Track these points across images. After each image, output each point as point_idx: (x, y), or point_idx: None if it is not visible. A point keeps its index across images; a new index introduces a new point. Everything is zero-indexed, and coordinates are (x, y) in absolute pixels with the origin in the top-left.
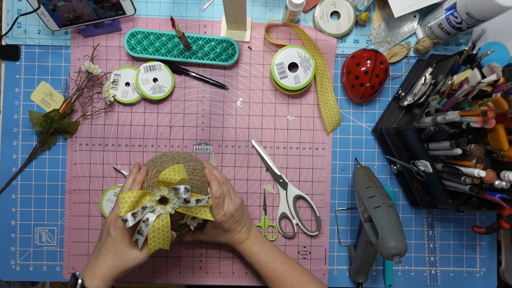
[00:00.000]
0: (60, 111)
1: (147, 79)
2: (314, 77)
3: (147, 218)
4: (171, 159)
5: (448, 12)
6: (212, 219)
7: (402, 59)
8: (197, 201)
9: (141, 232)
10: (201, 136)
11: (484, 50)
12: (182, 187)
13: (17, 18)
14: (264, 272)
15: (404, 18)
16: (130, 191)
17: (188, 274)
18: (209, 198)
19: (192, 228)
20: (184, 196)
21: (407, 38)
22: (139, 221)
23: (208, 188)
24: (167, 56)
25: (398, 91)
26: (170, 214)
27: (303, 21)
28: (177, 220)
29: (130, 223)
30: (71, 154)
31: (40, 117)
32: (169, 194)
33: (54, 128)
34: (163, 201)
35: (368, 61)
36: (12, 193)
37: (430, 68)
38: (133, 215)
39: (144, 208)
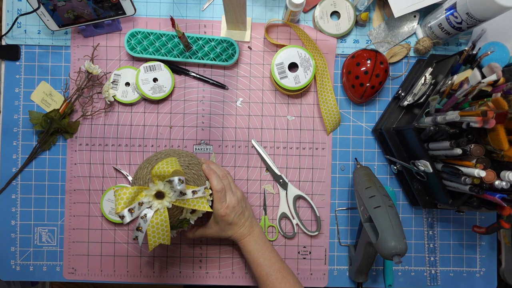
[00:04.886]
0: (60, 111)
1: (147, 79)
2: (314, 77)
3: (145, 214)
4: (166, 155)
5: (448, 12)
6: (211, 210)
7: (402, 59)
8: (193, 192)
9: (140, 228)
10: (201, 136)
11: (484, 50)
12: (176, 179)
13: (17, 18)
14: (257, 273)
15: (404, 18)
16: (125, 187)
17: (188, 274)
18: (205, 188)
19: (192, 222)
20: (178, 188)
21: (407, 38)
22: (137, 217)
23: (207, 181)
24: (167, 56)
25: (398, 91)
26: (168, 209)
27: (303, 21)
28: (176, 215)
29: (127, 219)
30: (71, 154)
31: (40, 117)
32: (164, 188)
33: (54, 128)
34: (160, 195)
35: (368, 61)
36: (12, 193)
37: (430, 68)
38: (130, 211)
39: (141, 204)
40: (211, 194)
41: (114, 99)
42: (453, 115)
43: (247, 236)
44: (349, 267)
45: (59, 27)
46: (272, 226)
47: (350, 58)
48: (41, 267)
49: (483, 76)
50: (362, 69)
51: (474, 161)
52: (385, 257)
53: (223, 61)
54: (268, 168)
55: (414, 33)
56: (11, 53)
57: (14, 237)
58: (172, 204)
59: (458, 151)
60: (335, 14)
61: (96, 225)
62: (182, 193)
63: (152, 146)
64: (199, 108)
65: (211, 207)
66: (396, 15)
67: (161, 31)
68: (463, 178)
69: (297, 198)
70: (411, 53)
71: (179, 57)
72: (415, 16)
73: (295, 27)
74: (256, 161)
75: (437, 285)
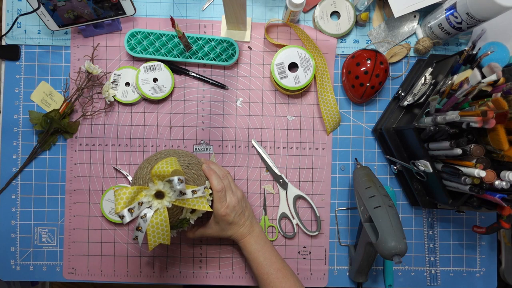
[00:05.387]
0: (60, 111)
1: (147, 79)
2: (314, 77)
3: (145, 214)
4: (166, 155)
5: (448, 12)
6: (211, 210)
7: (402, 59)
8: (193, 192)
9: (139, 228)
10: (201, 136)
11: (484, 50)
12: (175, 178)
13: (17, 18)
14: (257, 272)
15: (404, 18)
16: (125, 187)
17: (188, 274)
18: (204, 188)
19: (192, 222)
20: (178, 187)
21: (407, 38)
22: (137, 217)
23: (207, 181)
24: (167, 56)
25: (398, 91)
26: (168, 209)
27: (303, 21)
28: (176, 215)
29: (127, 219)
30: (71, 154)
31: (40, 117)
32: (164, 188)
33: (54, 128)
34: (159, 195)
35: (368, 61)
36: (12, 193)
37: (430, 68)
38: (130, 211)
39: (140, 203)
40: (211, 194)
41: (114, 99)
42: (453, 115)
43: (247, 235)
44: (349, 267)
45: (59, 27)
46: (272, 226)
47: (350, 58)
48: (41, 267)
49: (483, 76)
50: (362, 69)
51: (474, 161)
52: (385, 257)
53: (223, 61)
54: (268, 168)
55: (414, 33)
56: (11, 53)
57: (14, 237)
58: (172, 204)
59: (458, 151)
60: (335, 14)
61: (96, 225)
62: (182, 193)
63: (152, 146)
64: (199, 108)
65: (211, 207)
66: (396, 15)
67: (161, 31)
68: (463, 178)
69: (297, 198)
70: (411, 53)
71: (179, 57)
72: (415, 16)
73: (295, 27)
74: (256, 161)
75: (437, 285)
